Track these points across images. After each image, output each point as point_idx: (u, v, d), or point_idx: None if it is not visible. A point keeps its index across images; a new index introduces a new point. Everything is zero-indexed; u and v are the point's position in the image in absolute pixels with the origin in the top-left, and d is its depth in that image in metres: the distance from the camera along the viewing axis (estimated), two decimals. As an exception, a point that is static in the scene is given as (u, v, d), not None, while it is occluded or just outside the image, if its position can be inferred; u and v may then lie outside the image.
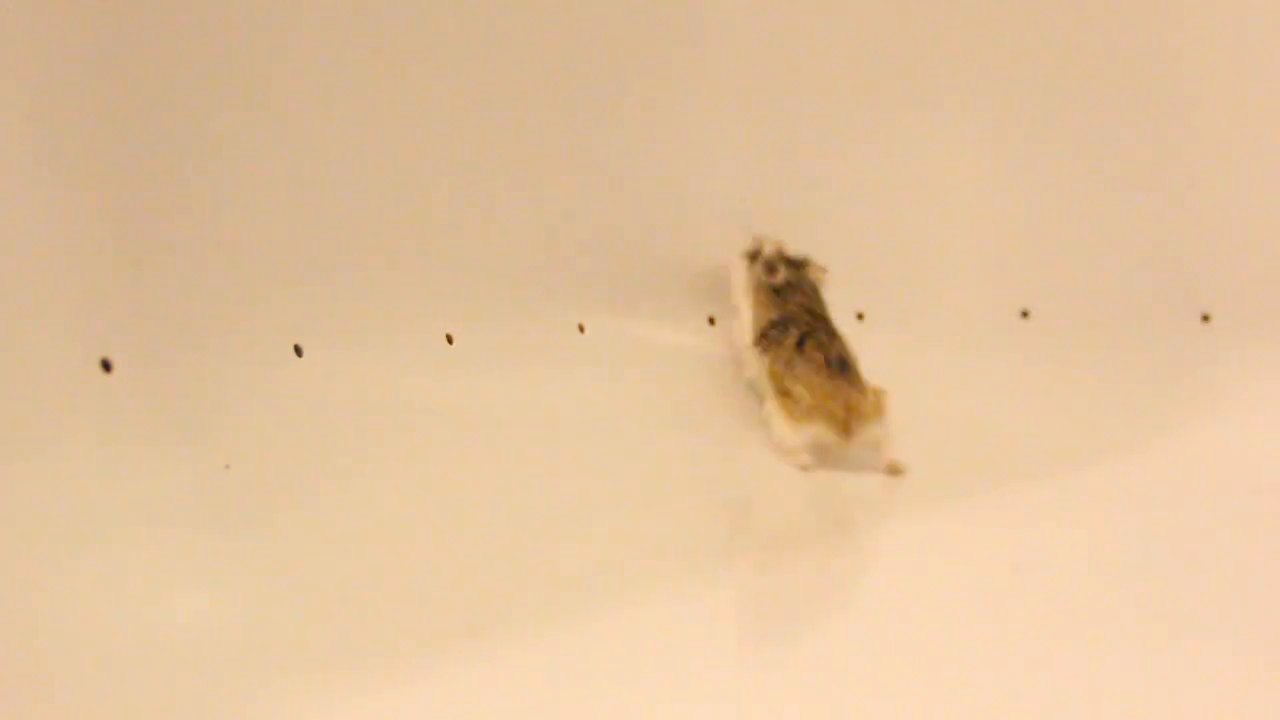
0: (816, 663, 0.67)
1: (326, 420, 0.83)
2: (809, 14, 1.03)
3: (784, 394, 0.91)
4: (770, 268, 0.95)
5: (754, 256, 0.97)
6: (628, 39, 0.99)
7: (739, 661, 0.67)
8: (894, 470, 0.89)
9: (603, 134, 0.99)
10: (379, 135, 0.88)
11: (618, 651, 0.68)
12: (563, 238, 0.97)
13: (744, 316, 0.97)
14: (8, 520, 0.69)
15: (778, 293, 0.94)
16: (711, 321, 1.03)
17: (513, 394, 0.94)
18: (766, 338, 0.93)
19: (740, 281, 0.98)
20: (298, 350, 0.84)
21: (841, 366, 0.90)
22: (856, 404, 0.89)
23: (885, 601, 0.73)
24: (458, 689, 0.63)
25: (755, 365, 0.95)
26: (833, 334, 0.92)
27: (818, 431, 0.89)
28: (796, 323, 0.92)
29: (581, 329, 1.00)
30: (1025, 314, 1.05)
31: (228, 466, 0.78)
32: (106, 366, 0.75)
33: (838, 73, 1.04)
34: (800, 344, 0.91)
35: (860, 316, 1.04)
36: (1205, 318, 1.03)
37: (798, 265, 0.96)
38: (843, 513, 0.84)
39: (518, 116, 0.95)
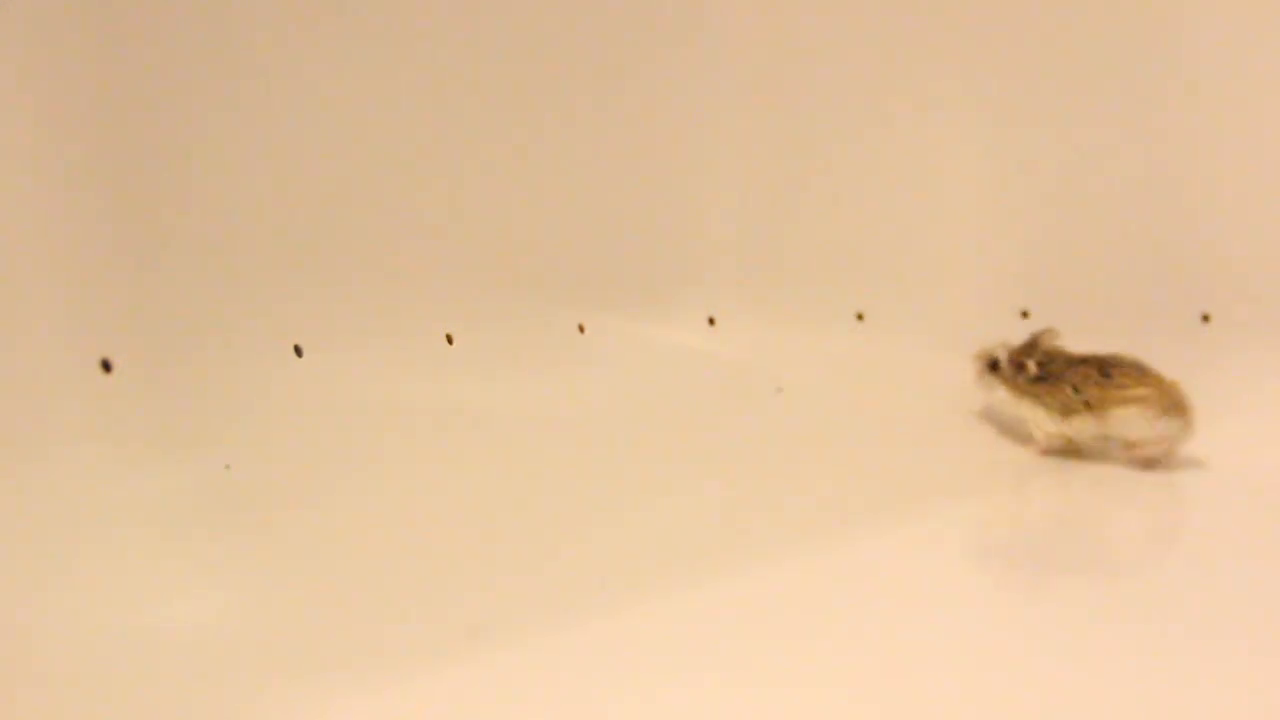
0: (817, 663, 0.67)
1: (326, 420, 0.83)
2: (810, 13, 1.03)
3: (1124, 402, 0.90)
4: (1019, 367, 0.93)
5: (994, 367, 0.94)
6: (627, 37, 0.99)
7: (740, 661, 0.67)
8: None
9: (603, 133, 0.99)
10: (379, 135, 0.88)
11: (618, 652, 0.68)
12: (563, 238, 0.97)
13: (1036, 417, 0.92)
14: (7, 520, 0.69)
15: (1042, 380, 0.92)
16: (711, 322, 1.03)
17: (513, 394, 0.94)
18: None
19: (1008, 396, 0.94)
20: (298, 350, 0.84)
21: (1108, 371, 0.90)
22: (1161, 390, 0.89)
23: (885, 601, 0.73)
24: (458, 689, 0.63)
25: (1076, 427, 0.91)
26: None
27: (1171, 427, 0.88)
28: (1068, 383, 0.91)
29: (581, 329, 0.99)
30: (1025, 314, 1.05)
31: (228, 467, 0.78)
32: (106, 366, 0.75)
33: (838, 72, 1.04)
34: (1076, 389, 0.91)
35: (860, 316, 1.04)
36: (1205, 318, 1.03)
37: (1032, 347, 0.93)
38: (843, 512, 0.83)
39: (518, 116, 0.95)
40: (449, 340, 0.90)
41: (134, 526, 0.72)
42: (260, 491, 0.78)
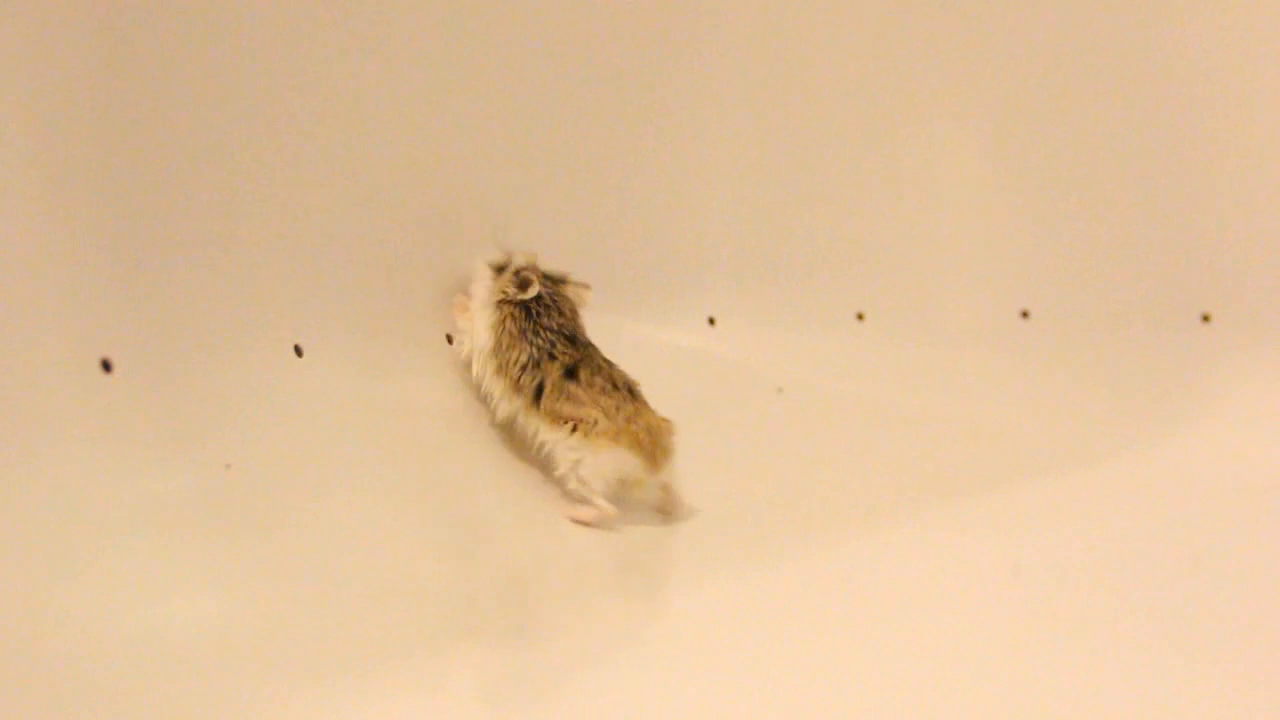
0: (817, 664, 0.67)
1: (326, 420, 0.83)
2: (808, 16, 1.03)
3: (565, 422, 0.79)
4: (522, 282, 0.83)
5: (501, 269, 0.85)
6: (626, 41, 0.99)
7: (742, 661, 0.67)
8: (666, 509, 0.81)
9: (603, 135, 0.99)
10: (379, 136, 0.88)
11: (619, 653, 0.68)
12: (564, 238, 0.97)
13: (480, 339, 0.84)
14: (7, 521, 0.69)
15: (529, 312, 0.83)
16: (711, 322, 1.03)
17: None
18: (522, 369, 0.80)
19: (481, 295, 0.85)
20: (298, 350, 0.84)
21: (630, 391, 0.81)
22: (658, 429, 0.79)
23: (885, 602, 0.73)
24: (458, 690, 0.63)
25: (506, 402, 0.83)
26: (606, 360, 0.82)
27: (622, 462, 0.79)
28: (555, 350, 0.81)
29: (581, 329, 0.99)
30: (1025, 314, 1.05)
31: (228, 467, 0.78)
32: (106, 366, 0.75)
33: (837, 73, 1.04)
34: (571, 373, 0.81)
35: (860, 316, 1.04)
36: (1205, 318, 1.03)
37: (556, 281, 0.85)
38: (843, 513, 0.84)
39: (517, 117, 0.95)
40: (449, 340, 0.90)
41: (134, 526, 0.72)
42: (260, 491, 0.78)
